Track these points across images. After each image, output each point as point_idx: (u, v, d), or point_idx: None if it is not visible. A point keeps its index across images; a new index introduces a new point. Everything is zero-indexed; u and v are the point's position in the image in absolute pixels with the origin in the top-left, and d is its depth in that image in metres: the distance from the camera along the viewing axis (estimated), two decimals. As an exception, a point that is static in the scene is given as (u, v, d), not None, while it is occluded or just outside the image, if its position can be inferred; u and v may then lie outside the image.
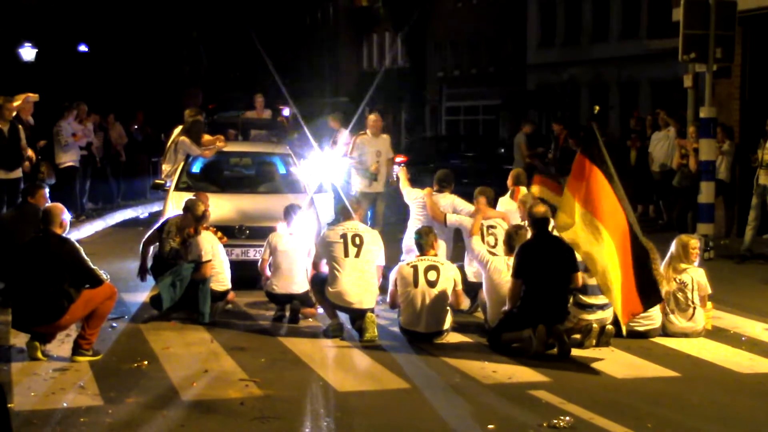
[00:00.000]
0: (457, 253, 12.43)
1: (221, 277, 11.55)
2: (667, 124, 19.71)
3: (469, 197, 12.50)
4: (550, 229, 10.48)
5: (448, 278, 10.56)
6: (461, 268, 11.62)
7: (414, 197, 12.63)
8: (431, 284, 10.47)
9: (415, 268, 10.58)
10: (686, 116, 19.21)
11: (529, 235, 10.77)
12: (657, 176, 19.96)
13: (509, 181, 13.46)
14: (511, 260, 10.58)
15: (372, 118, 16.53)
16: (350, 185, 16.35)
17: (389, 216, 16.68)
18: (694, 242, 11.33)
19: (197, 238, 11.49)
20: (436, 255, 10.89)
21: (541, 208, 10.69)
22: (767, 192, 15.83)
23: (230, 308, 11.82)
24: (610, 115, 38.00)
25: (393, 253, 12.05)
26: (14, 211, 12.51)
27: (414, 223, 12.30)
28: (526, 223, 11.09)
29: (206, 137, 15.64)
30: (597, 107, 23.44)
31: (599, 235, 9.94)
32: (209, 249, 11.41)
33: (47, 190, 12.38)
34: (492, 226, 11.77)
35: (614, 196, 9.99)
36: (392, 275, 10.77)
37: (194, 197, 12.35)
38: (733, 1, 16.43)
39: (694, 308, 10.92)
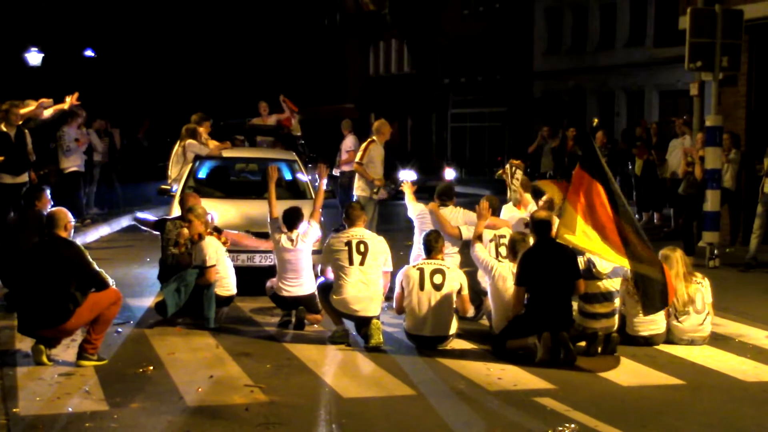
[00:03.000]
0: (465, 259, 12.41)
1: (225, 282, 11.55)
2: (683, 133, 19.73)
3: None
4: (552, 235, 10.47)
5: (454, 282, 10.56)
6: (473, 274, 11.62)
7: (418, 212, 12.52)
8: (437, 287, 10.46)
9: (422, 270, 10.58)
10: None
11: (532, 240, 10.79)
12: (669, 183, 20.00)
13: (515, 189, 13.48)
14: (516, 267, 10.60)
15: (379, 124, 16.46)
16: (352, 191, 16.45)
17: (395, 223, 16.70)
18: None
19: (201, 243, 11.48)
20: (443, 259, 10.88)
21: (542, 213, 10.69)
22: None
23: (226, 311, 11.76)
24: (615, 123, 38.03)
25: (398, 259, 12.03)
26: (20, 216, 12.51)
27: (419, 239, 12.21)
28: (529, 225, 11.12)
29: (213, 143, 15.70)
30: (596, 120, 23.40)
31: (602, 245, 10.02)
32: (213, 254, 11.41)
33: (48, 192, 12.39)
34: (503, 236, 11.76)
35: (610, 211, 10.05)
36: (398, 278, 10.76)
37: (194, 202, 12.29)
38: (740, 10, 16.46)
39: (708, 313, 10.93)
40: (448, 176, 32.76)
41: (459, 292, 10.61)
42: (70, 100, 15.62)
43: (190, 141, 15.22)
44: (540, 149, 23.31)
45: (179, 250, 11.92)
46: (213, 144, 15.66)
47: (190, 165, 15.21)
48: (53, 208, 9.92)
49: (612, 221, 10.01)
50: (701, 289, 10.97)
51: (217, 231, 12.08)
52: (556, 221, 10.56)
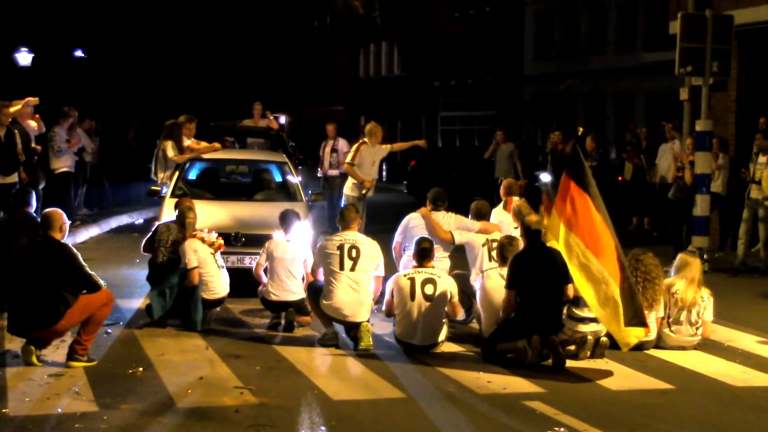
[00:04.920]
0: (455, 262, 12.41)
1: (212, 286, 11.46)
2: (673, 137, 19.78)
3: None
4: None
5: (445, 291, 10.56)
6: (463, 277, 11.63)
7: (410, 219, 12.47)
8: (428, 298, 10.45)
9: (412, 280, 10.56)
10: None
11: (521, 245, 10.80)
12: (659, 187, 20.05)
13: (501, 192, 13.47)
14: (504, 271, 10.61)
15: (371, 127, 16.58)
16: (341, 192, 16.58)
17: (384, 224, 16.71)
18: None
19: (183, 246, 11.50)
20: (433, 267, 10.88)
21: (533, 218, 10.70)
22: (758, 206, 15.90)
23: (215, 313, 11.74)
24: (606, 127, 38.07)
25: (389, 263, 12.00)
26: (8, 217, 12.49)
27: (411, 243, 12.14)
28: (519, 232, 11.14)
29: (203, 144, 15.70)
30: (581, 128, 23.44)
31: (584, 258, 9.95)
32: (193, 256, 11.37)
33: (34, 195, 12.35)
34: (495, 240, 11.73)
35: (600, 219, 10.00)
36: (389, 285, 10.76)
37: (186, 205, 12.29)
38: (730, 15, 16.51)
39: (700, 326, 10.94)
40: None
41: (449, 299, 10.62)
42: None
43: (165, 143, 15.18)
44: (494, 155, 23.32)
45: (163, 252, 11.95)
46: (203, 145, 15.65)
47: (178, 168, 15.17)
48: (49, 209, 9.88)
49: (602, 226, 10.00)
50: (701, 303, 10.96)
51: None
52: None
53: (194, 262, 11.36)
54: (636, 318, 9.79)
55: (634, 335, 9.84)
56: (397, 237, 12.37)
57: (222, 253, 12.13)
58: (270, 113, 20.42)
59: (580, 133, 22.99)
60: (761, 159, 15.85)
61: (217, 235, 11.97)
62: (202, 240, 11.67)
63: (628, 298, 9.74)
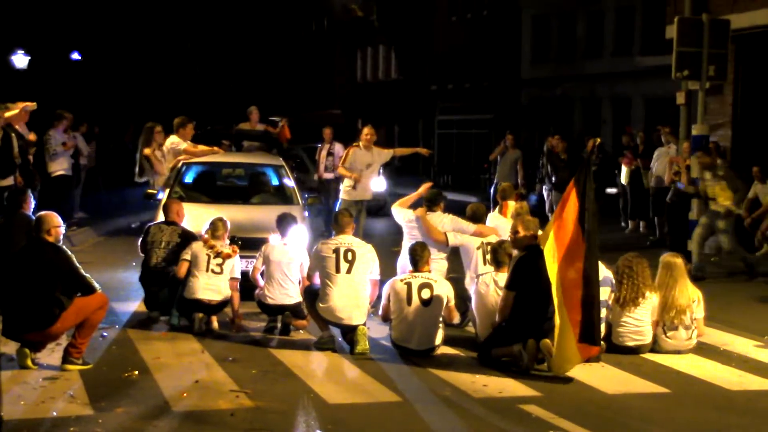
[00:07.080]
0: (452, 265, 12.40)
1: (191, 284, 11.45)
2: (669, 141, 19.77)
3: None
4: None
5: (441, 295, 10.55)
6: (459, 280, 11.63)
7: (407, 219, 12.51)
8: (425, 303, 10.44)
9: (409, 285, 10.55)
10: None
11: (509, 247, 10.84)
12: (653, 191, 20.01)
13: (497, 196, 13.50)
14: (498, 276, 10.64)
15: (365, 131, 16.63)
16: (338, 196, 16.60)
17: (383, 228, 16.74)
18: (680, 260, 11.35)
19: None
20: (429, 271, 10.87)
21: (532, 220, 10.73)
22: (717, 218, 15.49)
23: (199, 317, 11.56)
24: (602, 131, 38.06)
25: (387, 266, 12.00)
26: (5, 220, 12.46)
27: (408, 244, 12.17)
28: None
29: (200, 147, 15.70)
30: (598, 139, 23.19)
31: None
32: (188, 250, 11.63)
33: (31, 196, 12.34)
34: (490, 243, 11.73)
35: (577, 230, 9.85)
36: (385, 290, 10.74)
37: (176, 209, 12.51)
38: (727, 20, 16.55)
39: (695, 328, 10.94)
40: None
41: (446, 303, 10.61)
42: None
43: (146, 152, 15.23)
44: (499, 158, 23.24)
45: (156, 253, 12.06)
46: (201, 148, 15.66)
47: (175, 170, 15.20)
48: (42, 212, 9.87)
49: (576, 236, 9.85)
50: (692, 305, 10.95)
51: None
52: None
53: (186, 256, 11.55)
54: (588, 336, 9.57)
55: (572, 359, 9.68)
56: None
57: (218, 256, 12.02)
58: (285, 123, 20.31)
59: (598, 142, 22.88)
60: (707, 176, 15.58)
61: (229, 244, 11.96)
62: (212, 246, 11.66)
63: (589, 312, 9.56)
